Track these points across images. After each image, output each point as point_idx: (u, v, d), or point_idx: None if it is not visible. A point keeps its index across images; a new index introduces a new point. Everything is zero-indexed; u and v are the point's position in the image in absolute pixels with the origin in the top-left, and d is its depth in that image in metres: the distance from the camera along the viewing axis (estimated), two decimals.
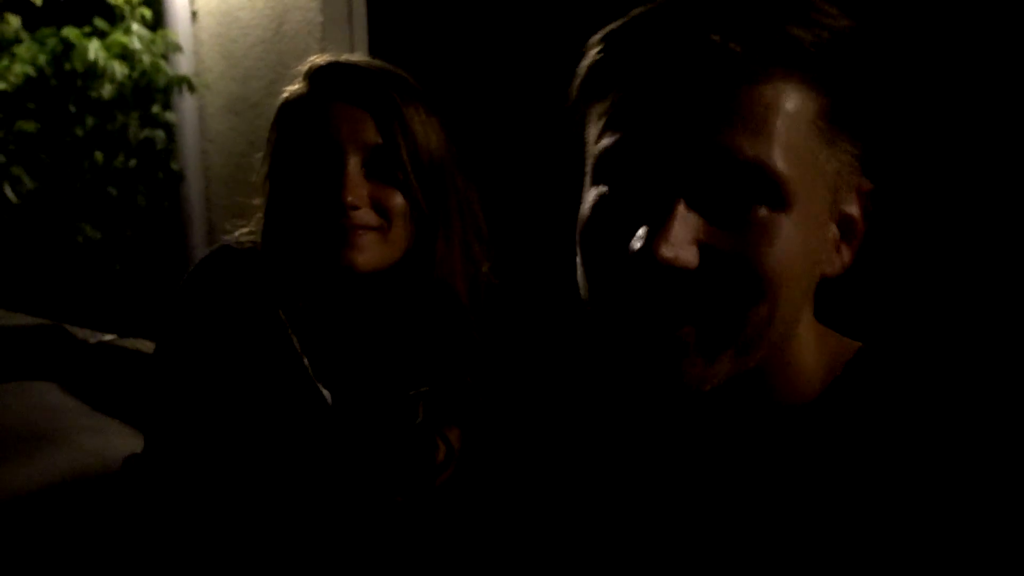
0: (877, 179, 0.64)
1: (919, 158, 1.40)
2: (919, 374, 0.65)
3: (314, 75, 1.07)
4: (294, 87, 1.09)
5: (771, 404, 0.66)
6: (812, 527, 0.62)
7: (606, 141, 0.61)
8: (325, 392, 1.08)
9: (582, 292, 0.66)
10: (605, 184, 0.62)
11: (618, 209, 0.60)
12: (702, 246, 0.57)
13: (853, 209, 0.63)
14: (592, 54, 0.63)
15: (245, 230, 1.15)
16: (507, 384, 1.07)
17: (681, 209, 0.56)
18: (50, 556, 1.31)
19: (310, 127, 1.04)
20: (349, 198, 1.00)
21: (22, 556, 1.33)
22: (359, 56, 1.12)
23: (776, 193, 0.56)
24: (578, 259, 0.65)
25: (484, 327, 1.12)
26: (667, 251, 0.55)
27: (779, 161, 0.56)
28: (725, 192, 0.57)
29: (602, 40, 0.62)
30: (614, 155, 0.60)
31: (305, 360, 1.08)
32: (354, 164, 1.02)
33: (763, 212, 0.56)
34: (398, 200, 1.04)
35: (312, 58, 1.10)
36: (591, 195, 0.63)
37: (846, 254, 0.64)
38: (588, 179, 0.64)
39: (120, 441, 1.64)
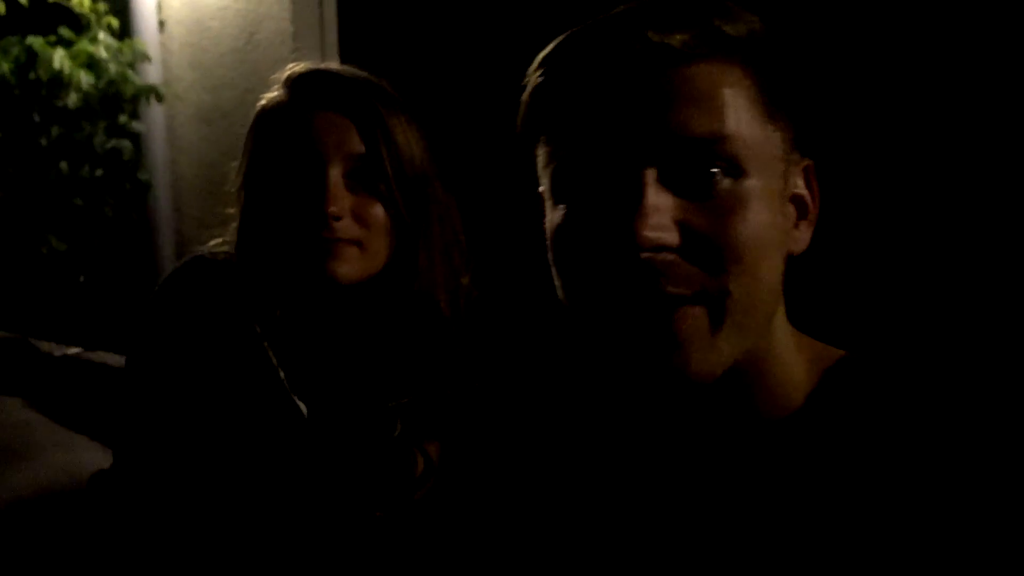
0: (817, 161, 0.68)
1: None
2: (904, 383, 0.66)
3: (294, 82, 1.05)
4: (272, 94, 1.07)
5: (755, 412, 0.66)
6: (797, 538, 0.62)
7: (561, 158, 0.64)
8: (301, 405, 1.05)
9: (565, 304, 0.66)
10: (569, 199, 0.64)
11: (588, 215, 0.62)
12: (678, 224, 0.59)
13: (802, 187, 0.67)
14: (533, 79, 0.66)
15: (218, 240, 1.13)
16: (490, 396, 1.06)
17: (651, 192, 0.59)
18: (18, 572, 1.28)
19: (290, 135, 1.02)
20: (332, 208, 0.98)
21: None
22: (339, 64, 1.10)
23: (734, 164, 0.60)
24: (555, 275, 0.66)
25: (465, 339, 1.10)
26: (650, 232, 0.57)
27: (731, 133, 0.59)
28: (687, 170, 0.60)
29: (541, 64, 0.66)
30: (574, 167, 0.63)
31: (281, 373, 1.06)
32: (336, 174, 1.00)
33: (726, 183, 0.60)
34: (380, 211, 1.02)
35: (291, 65, 1.08)
36: (557, 214, 0.65)
37: (805, 232, 0.67)
38: (548, 201, 0.66)
39: (88, 456, 1.60)
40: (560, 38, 0.65)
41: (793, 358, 0.68)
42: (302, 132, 1.01)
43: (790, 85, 0.65)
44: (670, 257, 0.59)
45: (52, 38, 2.51)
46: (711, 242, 0.59)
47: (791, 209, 0.66)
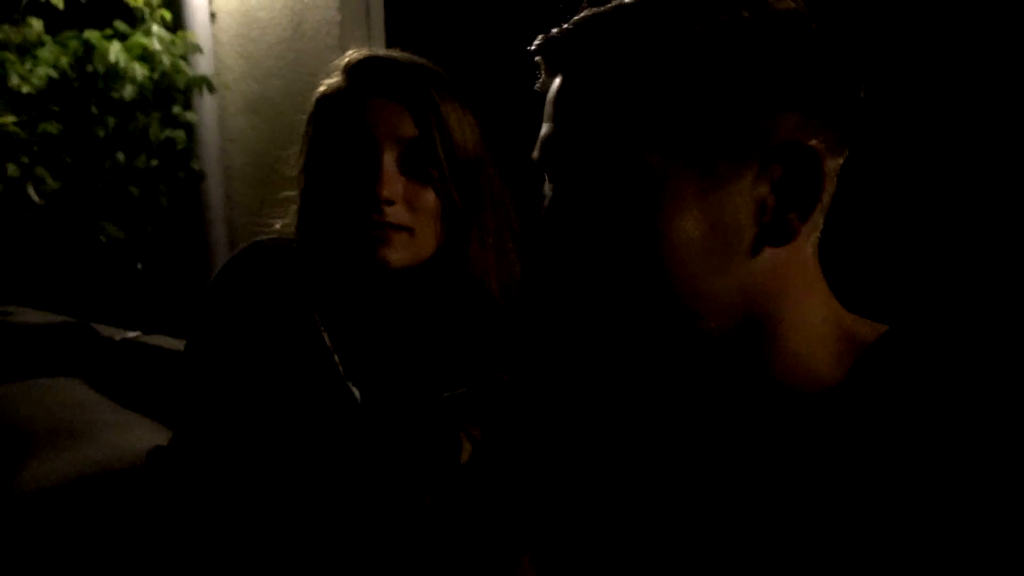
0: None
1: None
2: (948, 360, 0.63)
3: (351, 69, 1.07)
4: (331, 80, 1.09)
5: (778, 379, 0.65)
6: (823, 522, 0.61)
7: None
8: (355, 390, 1.07)
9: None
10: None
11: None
12: None
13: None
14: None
15: (284, 222, 1.15)
16: (541, 383, 1.07)
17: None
18: (75, 551, 1.33)
19: (346, 121, 1.03)
20: (384, 192, 0.99)
21: (47, 551, 1.35)
22: (397, 51, 1.11)
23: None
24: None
25: (518, 327, 1.11)
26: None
27: None
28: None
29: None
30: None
31: (336, 357, 1.07)
32: (390, 158, 1.01)
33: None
34: (431, 197, 1.03)
35: (349, 52, 1.10)
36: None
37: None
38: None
39: (145, 436, 1.65)
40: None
41: (825, 334, 0.66)
42: (358, 118, 1.02)
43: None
44: None
45: (108, 31, 2.58)
46: None
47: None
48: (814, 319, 0.67)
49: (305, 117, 1.11)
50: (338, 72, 1.09)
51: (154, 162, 2.70)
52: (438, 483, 1.06)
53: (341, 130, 1.04)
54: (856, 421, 0.62)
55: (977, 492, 0.56)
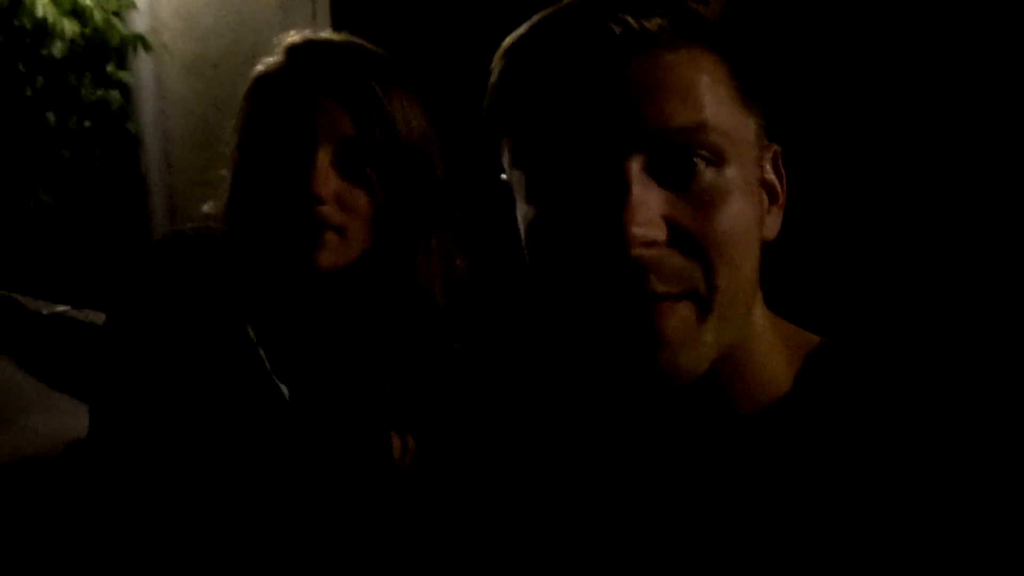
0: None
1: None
2: (884, 371, 0.64)
3: (292, 52, 1.02)
4: (271, 59, 1.03)
5: (733, 407, 0.65)
6: (777, 535, 0.60)
7: (533, 151, 0.61)
8: (282, 387, 1.04)
9: (544, 299, 0.63)
10: (544, 194, 0.61)
11: (567, 211, 0.59)
12: (663, 218, 0.58)
13: (771, 173, 0.66)
14: (499, 67, 0.63)
15: (213, 203, 1.10)
16: (480, 384, 1.04)
17: (637, 186, 0.57)
18: None
19: (284, 109, 0.99)
20: (316, 190, 0.95)
21: None
22: (340, 35, 1.06)
23: (715, 153, 0.58)
24: (533, 271, 0.64)
25: (459, 326, 1.08)
26: (638, 228, 0.55)
27: (711, 122, 0.58)
28: (669, 161, 0.58)
29: (508, 51, 0.62)
30: (547, 160, 0.60)
31: (262, 352, 1.03)
32: (324, 155, 0.97)
33: (708, 173, 0.58)
34: (364, 199, 0.99)
35: (291, 33, 1.05)
36: (530, 209, 0.62)
37: (776, 218, 0.66)
38: (519, 195, 0.63)
39: (71, 419, 1.58)
40: (528, 23, 0.62)
41: (772, 347, 0.66)
42: (296, 109, 0.98)
43: (762, 71, 0.64)
44: (658, 252, 0.57)
45: None
46: (696, 235, 0.58)
47: (764, 196, 0.65)
48: (768, 331, 0.67)
49: (246, 84, 1.06)
50: (278, 52, 1.04)
51: (87, 123, 2.60)
52: (367, 481, 1.03)
53: (277, 118, 1.00)
54: (812, 430, 0.62)
55: (926, 495, 0.58)
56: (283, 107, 0.99)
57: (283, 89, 1.00)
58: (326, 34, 1.06)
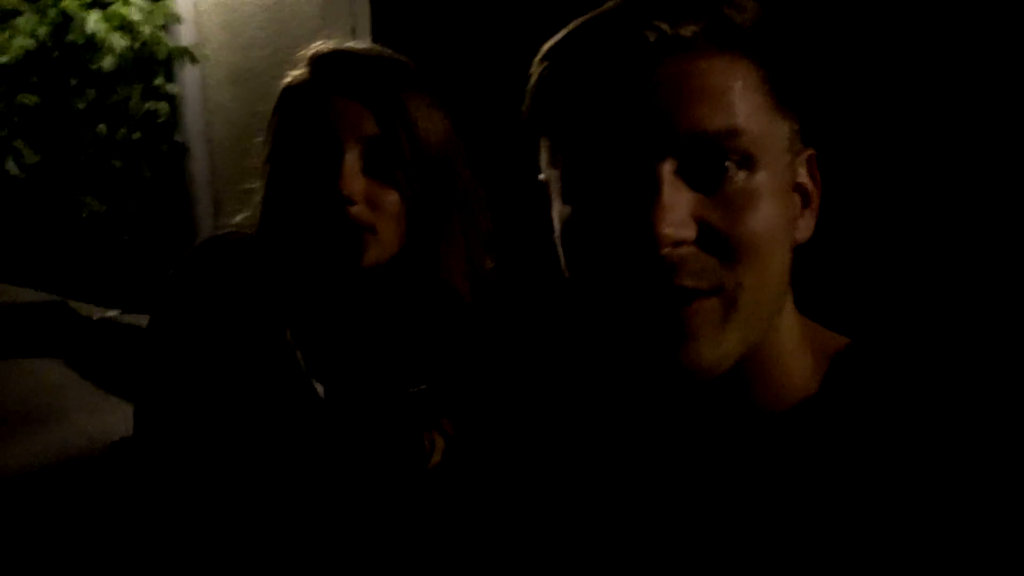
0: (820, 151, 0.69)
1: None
2: (911, 373, 0.64)
3: (316, 63, 1.04)
4: (296, 71, 1.06)
5: (757, 406, 0.65)
6: (799, 534, 0.61)
7: (569, 152, 0.62)
8: (318, 386, 1.06)
9: (575, 296, 0.65)
10: (579, 194, 0.62)
11: (601, 211, 0.61)
12: (694, 218, 0.59)
13: (805, 177, 0.66)
14: (538, 71, 0.64)
15: (246, 213, 1.12)
16: (506, 381, 1.05)
17: (667, 188, 0.58)
18: (33, 537, 1.31)
19: (310, 116, 1.01)
20: (345, 192, 0.97)
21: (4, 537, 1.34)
22: (363, 44, 1.09)
23: (746, 157, 0.59)
24: (566, 268, 0.65)
25: (485, 325, 1.09)
26: (668, 228, 0.57)
27: (744, 127, 0.59)
28: (700, 165, 0.59)
29: (546, 55, 0.64)
30: (583, 162, 0.61)
31: (297, 353, 1.06)
32: (352, 157, 0.99)
33: (739, 177, 0.59)
34: (394, 197, 1.01)
35: (316, 44, 1.07)
36: (565, 208, 0.63)
37: (809, 221, 0.67)
38: (555, 194, 0.65)
39: (118, 420, 1.63)
40: (566, 29, 0.63)
41: (799, 349, 0.66)
42: (321, 115, 1.00)
43: (796, 76, 0.64)
44: (687, 251, 0.58)
45: (86, 0, 2.52)
46: (725, 236, 0.59)
47: (796, 199, 0.65)
48: (796, 333, 0.67)
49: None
50: (303, 64, 1.06)
51: (136, 134, 2.66)
52: (403, 481, 1.04)
53: (304, 126, 1.02)
54: (838, 431, 0.63)
55: (949, 496, 0.57)
56: (309, 114, 1.01)
57: (308, 97, 1.02)
58: (349, 44, 1.09)
